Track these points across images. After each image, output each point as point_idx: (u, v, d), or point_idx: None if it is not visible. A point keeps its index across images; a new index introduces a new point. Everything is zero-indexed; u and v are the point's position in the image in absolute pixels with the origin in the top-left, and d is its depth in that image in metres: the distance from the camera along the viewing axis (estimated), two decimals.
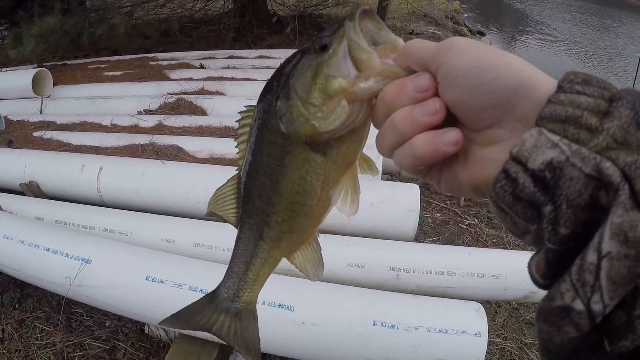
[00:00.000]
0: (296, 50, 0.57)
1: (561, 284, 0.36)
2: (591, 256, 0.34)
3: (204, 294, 0.73)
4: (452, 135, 0.44)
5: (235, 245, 0.68)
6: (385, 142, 0.49)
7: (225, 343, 0.74)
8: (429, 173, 0.51)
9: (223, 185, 0.66)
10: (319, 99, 0.52)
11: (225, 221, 0.67)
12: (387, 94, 0.47)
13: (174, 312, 0.72)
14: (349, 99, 0.51)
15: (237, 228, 0.67)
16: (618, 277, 0.33)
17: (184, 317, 0.73)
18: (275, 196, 0.60)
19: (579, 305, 0.35)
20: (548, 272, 0.38)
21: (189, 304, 0.72)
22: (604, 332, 0.35)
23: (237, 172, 0.65)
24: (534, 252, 0.41)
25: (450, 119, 0.45)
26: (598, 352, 0.36)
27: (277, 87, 0.56)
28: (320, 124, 0.52)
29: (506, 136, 0.42)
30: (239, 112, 0.61)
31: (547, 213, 0.37)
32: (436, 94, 0.45)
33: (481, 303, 2.00)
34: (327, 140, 0.54)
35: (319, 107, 0.52)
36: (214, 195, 0.67)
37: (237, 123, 0.62)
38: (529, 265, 0.41)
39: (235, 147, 0.63)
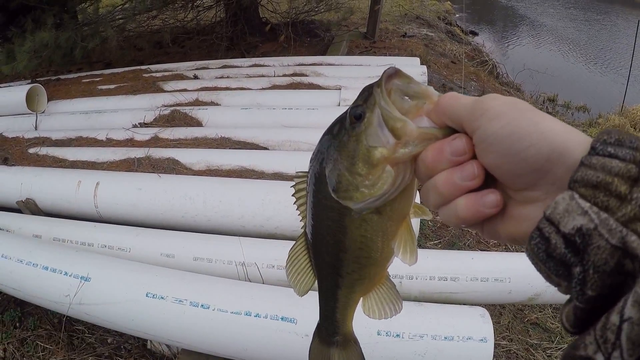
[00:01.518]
0: (336, 117, 0.60)
1: (586, 337, 0.38)
2: (614, 318, 0.36)
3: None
4: (492, 198, 0.47)
5: (319, 292, 0.75)
6: (429, 201, 0.52)
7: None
8: (473, 225, 0.51)
9: (295, 245, 0.72)
10: (364, 168, 0.55)
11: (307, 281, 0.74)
12: (427, 159, 0.50)
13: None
14: (392, 163, 0.54)
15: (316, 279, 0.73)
16: (637, 339, 0.35)
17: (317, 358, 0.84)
18: (341, 252, 0.65)
19: (600, 358, 0.37)
20: (576, 324, 0.40)
21: (310, 350, 0.84)
22: None
23: (303, 230, 0.70)
24: (566, 300, 0.43)
25: (491, 176, 0.48)
26: None
27: (324, 157, 0.59)
28: (370, 190, 0.55)
29: (542, 197, 0.44)
30: (294, 178, 0.67)
31: (576, 274, 0.39)
32: (474, 155, 0.48)
33: (485, 306, 1.99)
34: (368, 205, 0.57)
35: (365, 176, 0.55)
36: (289, 257, 0.72)
37: (292, 188, 0.67)
38: (561, 313, 0.43)
39: (296, 209, 0.68)
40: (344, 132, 0.58)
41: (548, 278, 0.43)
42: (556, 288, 0.44)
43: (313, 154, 0.62)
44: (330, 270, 0.69)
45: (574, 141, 0.42)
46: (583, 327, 0.40)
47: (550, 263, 0.41)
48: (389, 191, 0.55)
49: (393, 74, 0.56)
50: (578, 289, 0.39)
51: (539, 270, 0.43)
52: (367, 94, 0.57)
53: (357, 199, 0.57)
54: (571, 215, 0.39)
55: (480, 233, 0.53)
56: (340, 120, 0.60)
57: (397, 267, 2.27)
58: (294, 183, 0.67)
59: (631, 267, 0.36)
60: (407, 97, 0.55)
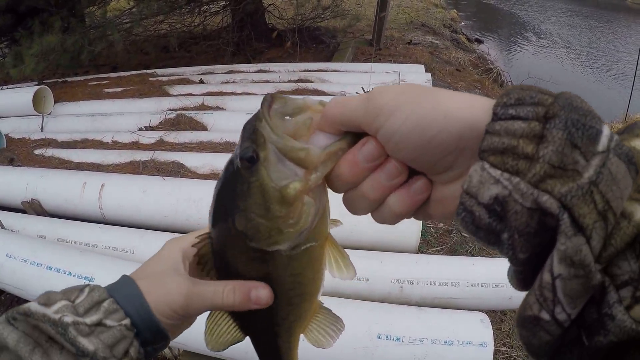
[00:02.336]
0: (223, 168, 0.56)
1: (528, 297, 0.38)
2: (547, 276, 0.36)
3: None
4: (419, 185, 0.46)
5: (257, 349, 0.70)
6: (357, 209, 0.50)
7: None
8: (412, 215, 0.51)
9: (211, 315, 0.65)
10: (282, 210, 0.51)
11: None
12: (343, 174, 0.48)
13: None
14: (308, 192, 0.51)
15: (247, 335, 0.68)
16: (573, 293, 0.36)
17: None
18: (272, 300, 0.60)
19: (545, 315, 0.37)
20: (520, 285, 0.41)
21: None
22: (581, 327, 0.38)
23: None
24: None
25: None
26: (578, 346, 0.38)
27: (228, 213, 0.54)
28: (296, 227, 0.52)
29: (464, 173, 0.42)
30: (192, 245, 0.62)
31: (505, 240, 0.39)
32: (387, 154, 0.46)
33: (486, 312, 2.00)
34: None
35: (286, 217, 0.51)
36: (207, 328, 0.65)
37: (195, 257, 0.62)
38: (508, 275, 0.43)
39: (206, 276, 0.63)
40: (241, 181, 0.52)
41: (485, 242, 0.42)
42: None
43: (211, 211, 0.57)
44: (264, 323, 0.64)
45: (480, 110, 0.41)
46: (527, 286, 0.40)
47: (480, 233, 0.40)
48: (315, 219, 0.52)
49: (269, 101, 0.50)
50: (510, 253, 0.38)
51: (474, 237, 0.43)
52: (251, 131, 0.51)
53: (285, 240, 0.53)
54: (485, 186, 0.38)
55: (413, 216, 0.51)
56: (231, 170, 0.54)
57: (398, 273, 2.29)
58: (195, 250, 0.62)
59: (553, 224, 0.36)
60: (288, 117, 0.50)
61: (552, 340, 0.38)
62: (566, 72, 10.90)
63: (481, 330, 1.89)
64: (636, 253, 0.35)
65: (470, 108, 0.41)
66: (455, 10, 14.76)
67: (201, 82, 5.79)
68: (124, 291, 0.58)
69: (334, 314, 0.66)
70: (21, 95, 4.99)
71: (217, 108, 4.68)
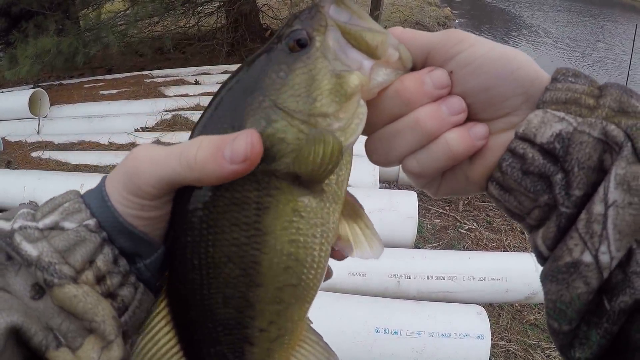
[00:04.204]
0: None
1: (568, 241, 0.38)
2: (598, 207, 0.36)
3: None
4: (480, 129, 0.43)
5: None
6: (399, 146, 0.44)
7: None
8: (433, 179, 0.47)
9: (148, 326, 0.45)
10: (332, 104, 0.40)
11: None
12: (407, 90, 0.42)
13: None
14: (365, 96, 0.41)
15: None
16: (623, 226, 0.35)
17: None
18: (253, 288, 0.42)
19: (587, 257, 0.36)
20: (556, 239, 0.39)
21: None
22: (603, 293, 0.37)
23: (162, 287, 0.45)
24: (536, 239, 0.42)
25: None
26: (600, 313, 0.37)
27: (235, 113, 0.41)
28: (342, 135, 0.40)
29: (517, 122, 0.42)
30: None
31: (558, 180, 0.38)
32: (451, 91, 0.43)
33: (484, 306, 2.02)
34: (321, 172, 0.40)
35: (334, 115, 0.40)
36: (138, 347, 0.44)
37: None
38: (533, 240, 0.42)
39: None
40: (278, 67, 0.41)
41: (519, 206, 0.42)
42: (523, 221, 0.43)
43: (200, 121, 0.43)
44: (231, 336, 0.44)
45: (543, 72, 0.42)
46: (557, 249, 0.39)
47: (526, 180, 0.40)
48: (356, 138, 0.41)
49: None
50: (563, 193, 0.38)
51: (507, 200, 0.42)
52: (309, 14, 0.42)
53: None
54: (548, 124, 0.39)
55: (435, 191, 0.48)
56: (264, 54, 0.43)
57: (395, 267, 2.30)
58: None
59: (610, 163, 0.37)
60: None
61: (586, 293, 0.37)
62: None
63: (478, 322, 1.91)
64: None
65: (539, 69, 0.43)
66: (449, 8, 14.77)
67: (196, 82, 5.80)
68: (94, 190, 0.44)
69: (326, 345, 0.49)
70: (17, 99, 5.00)
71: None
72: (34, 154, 4.02)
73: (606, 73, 11.05)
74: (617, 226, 0.35)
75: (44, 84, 6.38)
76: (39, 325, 0.39)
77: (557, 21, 16.50)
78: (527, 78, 0.41)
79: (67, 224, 0.41)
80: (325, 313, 1.95)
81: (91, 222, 0.41)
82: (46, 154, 3.96)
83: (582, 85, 0.40)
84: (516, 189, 0.41)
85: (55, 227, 0.41)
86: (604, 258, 0.36)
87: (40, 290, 0.39)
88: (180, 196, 0.42)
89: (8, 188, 3.33)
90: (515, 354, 2.73)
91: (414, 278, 2.29)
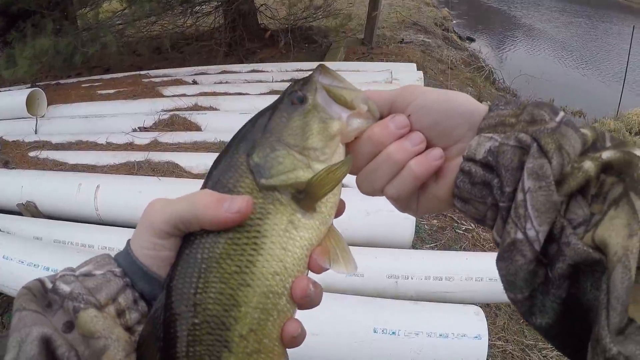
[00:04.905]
0: (265, 108, 0.56)
1: (507, 227, 0.48)
2: (520, 195, 0.46)
3: None
4: (436, 152, 0.54)
5: None
6: (378, 178, 0.56)
7: None
8: (410, 201, 0.58)
9: (144, 329, 0.50)
10: (319, 142, 0.52)
11: None
12: (376, 134, 0.55)
13: None
14: (344, 140, 0.54)
15: None
16: (539, 205, 0.45)
17: None
18: (243, 288, 0.47)
19: (519, 235, 0.46)
20: (502, 230, 0.49)
21: None
22: (546, 265, 0.46)
23: (165, 283, 0.50)
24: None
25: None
26: (547, 282, 0.46)
27: (244, 145, 0.52)
28: (322, 165, 0.51)
29: (465, 148, 0.53)
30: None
31: (495, 183, 0.49)
32: (411, 130, 0.55)
33: (481, 306, 2.02)
34: (319, 191, 0.50)
35: (321, 150, 0.52)
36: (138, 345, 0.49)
37: None
38: (493, 236, 0.52)
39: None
40: (278, 115, 0.54)
41: (476, 212, 0.53)
42: (484, 223, 0.54)
43: (220, 158, 0.53)
44: (212, 336, 0.48)
45: (482, 105, 0.55)
46: (502, 237, 0.49)
47: (474, 190, 0.51)
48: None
49: (324, 67, 0.57)
50: (499, 192, 0.49)
51: (467, 209, 0.53)
52: (304, 81, 0.56)
53: (305, 177, 0.50)
54: (482, 145, 0.50)
55: (415, 212, 0.59)
56: (272, 107, 0.55)
57: (393, 268, 2.31)
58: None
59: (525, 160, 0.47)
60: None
61: (525, 264, 0.46)
62: (558, 69, 10.95)
63: (476, 322, 1.91)
64: (587, 200, 0.45)
65: (476, 103, 0.55)
66: (446, 9, 14.79)
67: (194, 82, 5.80)
68: (123, 250, 0.54)
69: None
70: (14, 98, 4.99)
71: (211, 108, 4.69)
72: (31, 154, 4.02)
73: (602, 74, 11.06)
74: (534, 206, 0.45)
75: (41, 83, 6.37)
76: (66, 343, 0.46)
77: (554, 21, 16.53)
78: (467, 112, 0.54)
79: (98, 272, 0.51)
80: (323, 313, 1.95)
81: (117, 270, 0.51)
82: (44, 154, 3.96)
83: (509, 110, 0.52)
84: (471, 198, 0.52)
85: (88, 275, 0.50)
86: (531, 233, 0.45)
87: (70, 325, 0.47)
88: None
89: (5, 188, 3.33)
90: (512, 354, 2.74)
91: (412, 278, 2.30)
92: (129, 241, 0.54)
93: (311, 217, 0.51)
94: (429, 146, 0.55)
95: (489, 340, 1.89)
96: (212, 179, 0.52)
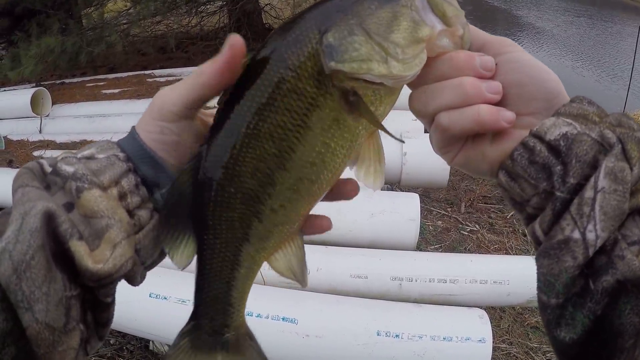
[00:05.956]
0: None
1: (562, 222, 0.44)
2: (589, 192, 0.43)
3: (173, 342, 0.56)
4: (509, 114, 0.50)
5: (203, 258, 0.53)
6: (437, 100, 0.51)
7: None
8: (455, 144, 0.54)
9: (172, 186, 0.51)
10: (403, 40, 0.47)
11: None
12: (459, 58, 0.50)
13: None
14: (428, 50, 0.49)
15: (200, 236, 0.52)
16: (608, 209, 0.42)
17: None
18: (280, 170, 0.49)
19: (576, 234, 0.43)
20: (551, 223, 0.46)
21: None
22: (589, 275, 0.43)
23: (196, 150, 0.52)
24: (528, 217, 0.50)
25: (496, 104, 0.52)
26: (585, 294, 0.43)
27: (322, 23, 0.47)
28: (401, 65, 0.47)
29: (535, 124, 0.49)
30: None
31: (558, 170, 0.45)
32: (493, 78, 0.51)
33: (485, 309, 2.01)
34: (370, 95, 0.48)
35: (402, 49, 0.47)
36: (168, 198, 0.51)
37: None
38: (532, 229, 0.48)
39: (215, 107, 0.52)
40: (371, 1, 0.48)
41: (521, 192, 0.49)
42: (523, 209, 0.50)
43: (289, 24, 0.50)
44: (245, 206, 0.50)
45: (566, 94, 0.51)
46: (554, 228, 0.45)
47: (531, 169, 0.47)
48: (410, 78, 0.49)
49: None
50: (560, 180, 0.45)
51: (511, 187, 0.49)
52: None
53: (379, 72, 0.47)
54: (558, 126, 0.46)
55: (450, 159, 0.55)
56: None
57: (397, 270, 2.30)
58: None
59: (602, 161, 0.44)
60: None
61: (572, 267, 0.43)
62: (564, 70, 10.90)
63: (480, 326, 1.90)
64: None
65: (563, 89, 0.51)
66: None
67: None
68: (127, 134, 0.54)
69: (304, 257, 0.55)
70: (19, 98, 4.99)
71: (215, 108, 4.68)
72: (35, 153, 4.02)
73: (608, 74, 11.03)
74: (603, 208, 0.42)
75: (45, 83, 6.38)
76: (69, 220, 0.47)
77: (560, 21, 16.47)
78: (553, 90, 0.50)
79: (101, 155, 0.51)
80: (326, 315, 1.95)
81: (120, 154, 0.51)
82: (48, 153, 3.96)
83: (593, 108, 0.49)
84: (521, 176, 0.48)
85: (90, 157, 0.50)
86: (590, 235, 0.42)
87: (70, 206, 0.48)
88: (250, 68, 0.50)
89: (9, 187, 3.32)
90: (517, 357, 2.73)
91: (416, 281, 2.28)
92: (133, 127, 0.54)
93: (356, 121, 0.49)
94: (502, 105, 0.51)
95: (493, 342, 1.88)
96: (269, 48, 0.50)
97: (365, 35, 0.47)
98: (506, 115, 0.49)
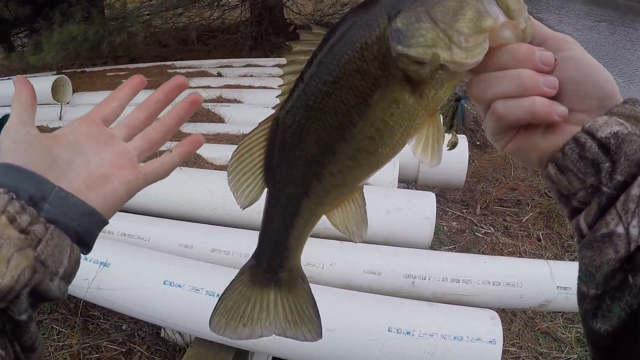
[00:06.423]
0: None
1: (607, 216, 0.46)
2: (635, 190, 0.45)
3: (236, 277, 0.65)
4: (562, 109, 0.51)
5: (269, 206, 0.61)
6: (495, 88, 0.53)
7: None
8: (508, 132, 0.56)
9: (251, 135, 0.58)
10: (468, 29, 0.50)
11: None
12: (520, 51, 0.52)
13: (219, 307, 0.67)
14: (491, 40, 0.51)
15: (269, 186, 0.60)
16: None
17: (236, 312, 0.66)
18: (340, 141, 0.55)
19: (620, 228, 0.44)
20: (596, 217, 0.48)
21: (225, 292, 0.65)
22: (628, 270, 0.44)
23: (274, 113, 0.57)
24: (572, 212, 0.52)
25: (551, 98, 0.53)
26: (623, 288, 0.44)
27: (392, 8, 0.51)
28: (463, 53, 0.50)
29: (587, 121, 0.51)
30: (291, 43, 0.56)
31: (606, 167, 0.47)
32: (551, 73, 0.53)
33: (496, 311, 2.01)
34: (433, 79, 0.51)
35: (466, 37, 0.50)
36: (238, 149, 0.59)
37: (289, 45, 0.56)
38: (576, 222, 0.50)
39: (281, 76, 0.57)
40: None
41: (568, 185, 0.50)
42: (568, 202, 0.51)
43: (361, 6, 0.53)
44: (307, 168, 0.57)
45: (619, 95, 0.52)
46: (598, 222, 0.47)
47: (580, 163, 0.49)
48: (471, 66, 0.52)
49: None
50: (607, 177, 0.47)
51: (559, 179, 0.51)
52: None
53: (443, 57, 0.50)
54: (609, 125, 0.48)
55: (502, 146, 0.57)
56: None
57: (410, 268, 2.30)
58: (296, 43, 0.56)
59: None
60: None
61: (614, 260, 0.44)
62: None
63: (491, 327, 1.89)
64: None
65: (617, 90, 0.52)
66: None
67: (219, 75, 5.81)
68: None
69: (365, 213, 0.62)
70: (40, 84, 5.03)
71: (235, 101, 4.69)
72: None
73: (632, 82, 10.91)
74: None
75: (67, 71, 6.43)
76: None
77: (581, 26, 16.31)
78: (608, 91, 0.51)
79: None
80: (339, 309, 1.96)
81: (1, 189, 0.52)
82: None
83: None
84: (570, 170, 0.50)
85: None
86: (634, 231, 0.44)
87: None
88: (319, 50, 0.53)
89: None
90: None
91: (429, 279, 2.28)
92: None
93: (416, 102, 0.52)
94: (556, 99, 0.53)
95: (503, 346, 1.88)
96: (342, 29, 0.53)
97: (432, 22, 0.50)
98: (559, 109, 0.51)
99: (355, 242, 0.62)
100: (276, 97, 0.57)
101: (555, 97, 0.52)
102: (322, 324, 0.67)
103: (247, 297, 0.66)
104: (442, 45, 0.50)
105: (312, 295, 0.67)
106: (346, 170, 0.56)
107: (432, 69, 0.50)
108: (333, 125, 0.54)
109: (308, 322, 0.66)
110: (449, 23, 0.50)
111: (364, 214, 0.61)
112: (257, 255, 0.65)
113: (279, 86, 0.57)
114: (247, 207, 0.61)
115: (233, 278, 0.66)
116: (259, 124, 0.58)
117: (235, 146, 0.61)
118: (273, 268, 0.64)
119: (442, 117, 0.61)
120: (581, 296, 0.48)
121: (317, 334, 0.66)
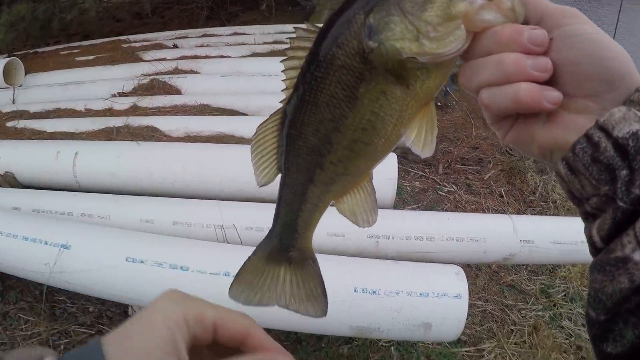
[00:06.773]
0: None
1: (623, 237, 0.41)
2: None
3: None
4: (555, 94, 0.46)
5: (280, 191, 0.65)
6: (478, 76, 0.50)
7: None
8: (504, 121, 0.53)
9: (265, 122, 0.61)
10: (436, 17, 0.48)
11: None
12: (503, 33, 0.47)
13: (237, 278, 0.69)
14: (466, 26, 0.49)
15: (281, 172, 0.63)
16: None
17: (250, 282, 0.69)
18: (336, 133, 0.56)
19: (637, 256, 0.39)
20: (611, 232, 0.42)
21: (244, 265, 0.69)
22: None
23: (282, 106, 0.60)
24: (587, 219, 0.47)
25: (547, 82, 0.47)
26: (637, 312, 0.40)
27: (367, 4, 0.51)
28: (432, 44, 0.49)
29: (597, 110, 0.45)
30: (288, 38, 0.58)
31: (622, 176, 0.41)
32: (545, 53, 0.47)
33: (461, 267, 2.03)
34: (415, 69, 0.51)
35: (434, 27, 0.48)
36: (256, 135, 0.62)
37: (287, 41, 0.58)
38: (589, 230, 0.45)
39: (283, 71, 0.59)
40: None
41: (580, 189, 0.45)
42: (581, 205, 0.47)
43: (343, 4, 0.54)
44: (310, 157, 0.59)
45: (636, 76, 0.45)
46: (615, 237, 0.42)
47: (593, 168, 0.43)
48: (449, 55, 0.49)
49: None
50: (624, 189, 0.41)
51: (571, 181, 0.46)
52: None
53: (410, 50, 0.49)
54: (628, 122, 0.41)
55: (502, 136, 0.53)
56: None
57: (373, 228, 2.30)
58: (291, 39, 0.58)
59: None
60: None
61: (627, 289, 0.40)
62: None
63: (456, 282, 1.92)
64: None
65: (634, 69, 0.45)
66: None
67: (175, 46, 5.70)
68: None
69: (375, 201, 0.63)
70: None
71: (191, 72, 4.61)
72: (9, 124, 3.94)
73: None
74: None
75: (18, 52, 6.23)
76: None
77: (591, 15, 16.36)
78: (617, 71, 0.44)
79: None
80: None
81: None
82: (21, 124, 3.88)
83: None
84: (582, 173, 0.44)
85: None
86: None
87: None
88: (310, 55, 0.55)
89: None
90: (492, 314, 2.77)
91: (393, 238, 2.30)
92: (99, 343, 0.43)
93: (404, 93, 0.52)
94: (553, 84, 0.47)
95: (469, 300, 1.90)
96: (326, 29, 0.54)
97: (401, 15, 0.49)
98: (550, 95, 0.46)
99: (360, 227, 0.65)
100: (281, 90, 0.59)
101: (552, 82, 0.47)
102: (328, 303, 0.71)
103: (261, 271, 0.69)
104: (410, 37, 0.49)
105: (321, 276, 0.72)
106: (346, 159, 0.58)
107: (397, 62, 0.50)
108: (327, 117, 0.56)
109: (314, 299, 0.71)
110: (416, 14, 0.49)
111: (373, 202, 0.63)
112: (270, 234, 0.69)
113: (282, 80, 0.59)
114: (262, 186, 0.65)
115: (250, 254, 0.70)
116: (270, 115, 0.61)
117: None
118: (284, 247, 0.69)
119: None
120: (590, 321, 0.44)
121: (322, 311, 0.71)
